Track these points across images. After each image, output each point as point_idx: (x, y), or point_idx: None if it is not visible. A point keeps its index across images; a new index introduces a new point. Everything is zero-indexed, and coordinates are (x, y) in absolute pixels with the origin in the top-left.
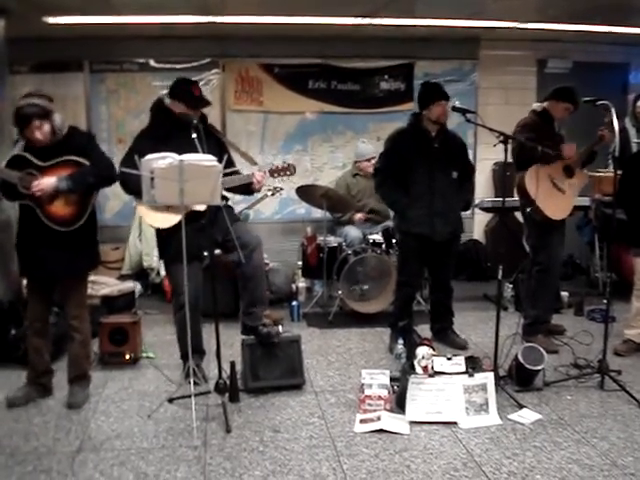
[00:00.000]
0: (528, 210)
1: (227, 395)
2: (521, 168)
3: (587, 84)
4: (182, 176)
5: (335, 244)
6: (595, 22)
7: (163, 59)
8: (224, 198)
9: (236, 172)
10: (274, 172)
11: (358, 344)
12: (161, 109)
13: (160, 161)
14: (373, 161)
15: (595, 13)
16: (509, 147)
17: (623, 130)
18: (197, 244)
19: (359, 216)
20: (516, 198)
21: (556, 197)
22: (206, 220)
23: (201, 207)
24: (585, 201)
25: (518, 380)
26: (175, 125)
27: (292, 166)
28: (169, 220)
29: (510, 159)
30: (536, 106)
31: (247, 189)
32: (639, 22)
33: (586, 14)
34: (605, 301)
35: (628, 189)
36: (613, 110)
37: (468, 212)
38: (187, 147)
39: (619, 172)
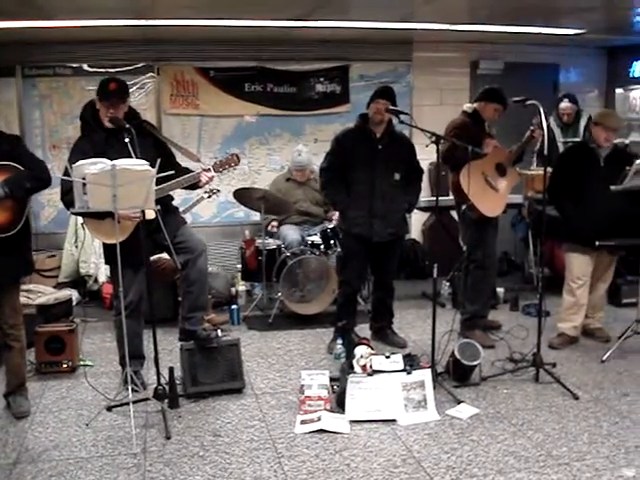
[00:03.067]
0: (463, 208)
1: (166, 401)
2: (455, 168)
3: (518, 84)
4: (115, 181)
5: (274, 246)
6: (524, 24)
7: (97, 63)
8: (169, 197)
9: (185, 170)
10: (219, 167)
11: (298, 345)
12: (91, 115)
13: (92, 167)
14: (304, 172)
15: (524, 14)
16: (440, 147)
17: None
18: (144, 248)
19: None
20: (451, 197)
21: (490, 195)
22: (154, 224)
23: (151, 215)
24: (518, 199)
25: (455, 376)
26: (107, 130)
27: (235, 155)
28: (121, 234)
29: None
30: (467, 107)
31: (193, 185)
32: (566, 23)
33: (515, 15)
34: (538, 296)
35: (558, 186)
36: (542, 109)
37: None
38: (121, 152)
39: (549, 170)
